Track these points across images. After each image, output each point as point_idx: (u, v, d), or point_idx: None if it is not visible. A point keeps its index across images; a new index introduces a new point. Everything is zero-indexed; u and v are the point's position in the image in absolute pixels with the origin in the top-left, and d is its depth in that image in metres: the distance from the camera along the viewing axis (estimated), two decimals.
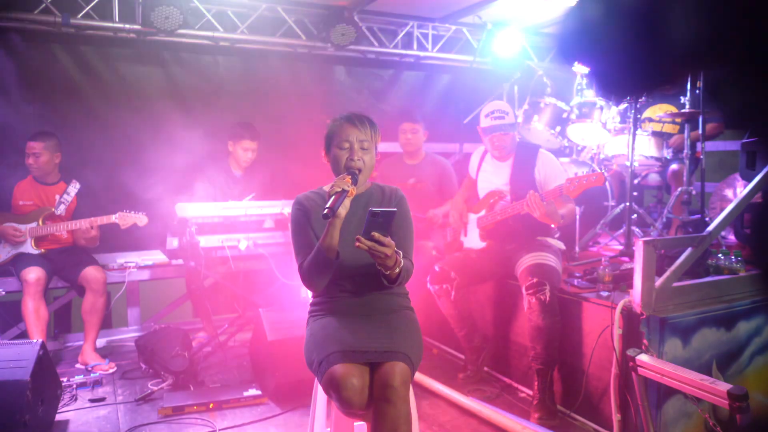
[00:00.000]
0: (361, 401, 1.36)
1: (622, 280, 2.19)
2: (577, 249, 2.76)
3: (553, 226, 2.33)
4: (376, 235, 1.35)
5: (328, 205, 1.37)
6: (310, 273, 1.46)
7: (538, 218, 2.17)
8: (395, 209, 1.37)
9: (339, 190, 1.40)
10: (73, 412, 2.23)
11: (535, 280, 2.14)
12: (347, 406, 1.36)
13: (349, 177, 1.45)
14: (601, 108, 3.03)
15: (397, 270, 1.42)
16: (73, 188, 2.79)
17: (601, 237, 3.14)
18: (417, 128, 3.06)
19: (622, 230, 2.78)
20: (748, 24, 0.46)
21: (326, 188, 1.45)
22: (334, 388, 1.36)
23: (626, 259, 2.61)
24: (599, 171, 2.18)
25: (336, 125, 1.55)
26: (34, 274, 2.57)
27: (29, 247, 2.71)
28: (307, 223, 1.52)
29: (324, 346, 1.44)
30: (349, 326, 1.49)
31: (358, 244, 1.34)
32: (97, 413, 2.23)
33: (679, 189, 2.74)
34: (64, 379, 2.37)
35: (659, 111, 3.06)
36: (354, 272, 1.51)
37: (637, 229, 2.82)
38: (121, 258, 3.14)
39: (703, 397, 1.62)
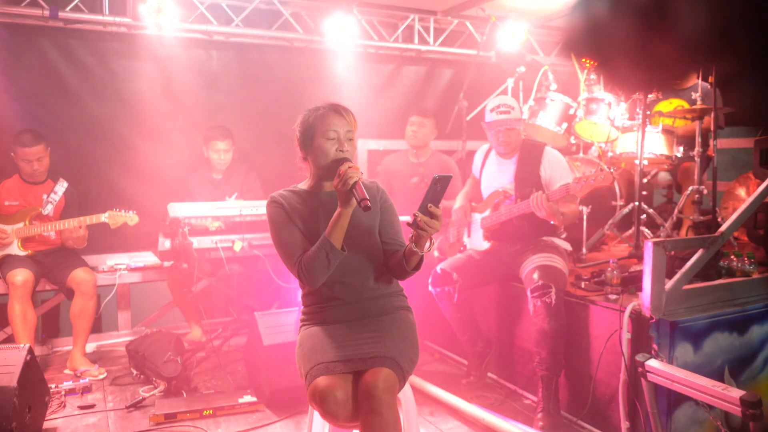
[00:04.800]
0: (346, 414, 1.32)
1: (631, 283, 2.14)
2: (584, 250, 2.70)
3: (552, 221, 2.25)
4: (432, 208, 1.31)
5: (362, 197, 1.33)
6: (313, 267, 1.40)
7: (541, 217, 2.12)
8: (451, 175, 1.35)
9: (356, 179, 1.36)
10: (61, 419, 2.18)
11: (540, 282, 2.08)
12: (332, 420, 1.33)
13: (354, 165, 1.40)
14: (610, 104, 2.95)
15: (428, 247, 1.39)
16: (61, 187, 2.72)
17: (609, 238, 3.07)
18: (425, 123, 3.00)
19: (630, 231, 2.71)
20: (758, 17, 0.44)
21: (335, 182, 1.39)
22: (318, 402, 1.33)
23: (635, 260, 2.54)
24: (608, 170, 2.09)
25: (318, 115, 1.48)
26: (21, 276, 2.50)
27: (15, 249, 2.64)
28: (290, 219, 1.47)
29: (309, 358, 1.41)
30: (337, 335, 1.44)
31: (419, 219, 1.31)
32: (87, 421, 2.18)
33: (690, 188, 2.67)
34: (53, 386, 2.31)
35: (670, 106, 2.98)
36: (346, 274, 1.46)
37: (647, 230, 2.76)
38: (111, 260, 3.09)
39: (714, 404, 1.58)
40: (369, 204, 1.33)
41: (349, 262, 1.45)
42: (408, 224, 1.36)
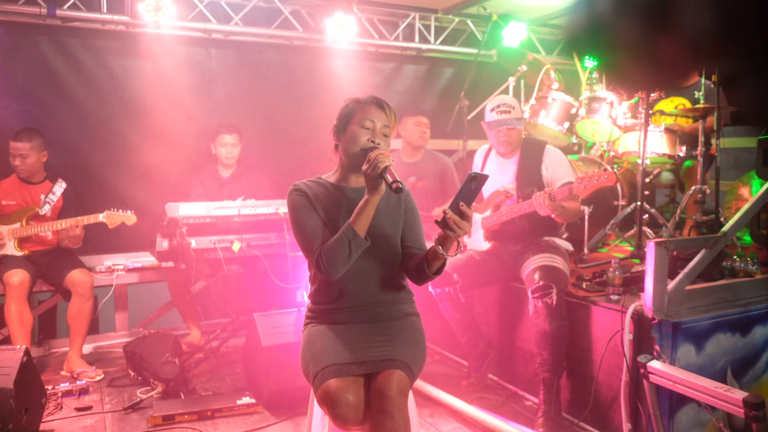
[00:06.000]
0: (357, 418, 1.30)
1: (633, 283, 2.12)
2: (585, 250, 2.68)
3: (556, 219, 2.23)
4: (464, 207, 1.26)
5: (393, 180, 1.28)
6: (334, 255, 1.34)
7: (544, 215, 2.10)
8: (488, 174, 1.30)
9: (387, 164, 1.31)
10: (58, 421, 2.17)
11: (541, 283, 2.06)
12: (342, 424, 1.31)
13: (385, 152, 1.36)
14: (612, 103, 2.93)
15: (455, 251, 1.34)
16: (59, 188, 2.70)
17: (611, 238, 3.05)
18: (428, 123, 2.97)
19: (632, 231, 2.70)
20: (763, 16, 0.44)
21: (364, 168, 1.34)
22: (328, 405, 1.30)
23: (637, 261, 2.52)
24: (610, 170, 2.07)
25: (360, 104, 1.45)
26: (17, 277, 2.48)
27: (12, 249, 2.62)
28: (312, 207, 1.42)
29: (320, 358, 1.37)
30: (348, 336, 1.42)
31: (449, 217, 1.26)
32: (84, 422, 2.16)
33: (693, 188, 2.66)
34: (49, 387, 2.30)
35: (671, 105, 2.96)
36: (361, 276, 1.43)
37: (649, 230, 2.74)
38: (109, 260, 3.06)
39: (717, 405, 1.57)
40: (400, 186, 1.28)
41: (366, 265, 1.41)
42: (436, 222, 1.30)
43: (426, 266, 1.38)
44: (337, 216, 1.42)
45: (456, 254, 1.35)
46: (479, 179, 1.26)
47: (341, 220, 1.40)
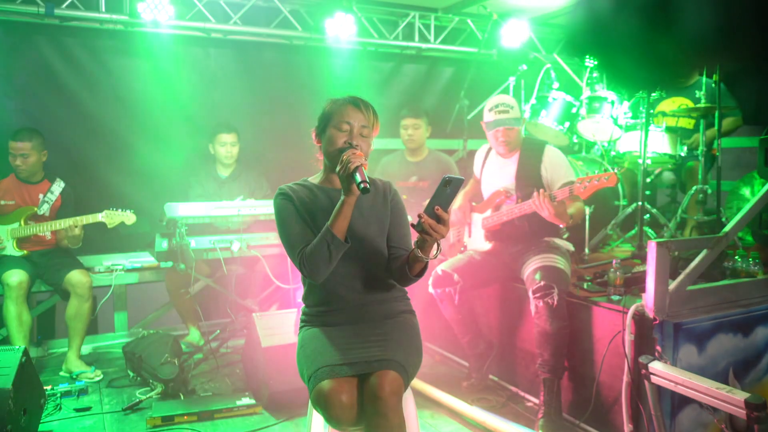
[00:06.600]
0: (351, 418, 1.29)
1: (634, 284, 2.11)
2: (586, 251, 2.67)
3: (561, 226, 2.23)
4: (440, 211, 1.25)
5: (361, 180, 1.28)
6: (315, 259, 1.35)
7: (546, 218, 2.08)
8: (463, 178, 1.28)
9: (358, 164, 1.31)
10: (57, 422, 2.17)
11: (542, 283, 2.06)
12: (336, 425, 1.31)
13: (359, 152, 1.35)
14: (613, 103, 2.92)
15: (434, 253, 1.33)
16: (58, 187, 2.70)
17: (612, 238, 3.04)
18: (419, 123, 2.96)
19: (634, 231, 2.69)
20: (763, 15, 0.44)
21: (337, 169, 1.33)
22: (322, 406, 1.30)
23: (638, 261, 2.51)
24: (611, 170, 2.07)
25: (337, 105, 1.45)
26: (16, 277, 2.47)
27: (11, 249, 2.61)
28: (297, 212, 1.43)
29: (313, 360, 1.38)
30: (341, 337, 1.42)
31: (424, 220, 1.25)
32: (83, 423, 2.16)
33: (694, 188, 2.65)
34: (48, 388, 2.30)
35: (673, 105, 2.96)
36: (350, 276, 1.43)
37: (650, 230, 2.73)
38: (108, 260, 3.05)
39: (719, 406, 1.56)
40: (368, 186, 1.28)
41: (353, 266, 1.42)
42: (412, 226, 1.30)
43: (408, 268, 1.39)
44: (322, 218, 1.42)
45: (436, 256, 1.35)
46: (454, 183, 1.25)
47: (324, 222, 1.40)
